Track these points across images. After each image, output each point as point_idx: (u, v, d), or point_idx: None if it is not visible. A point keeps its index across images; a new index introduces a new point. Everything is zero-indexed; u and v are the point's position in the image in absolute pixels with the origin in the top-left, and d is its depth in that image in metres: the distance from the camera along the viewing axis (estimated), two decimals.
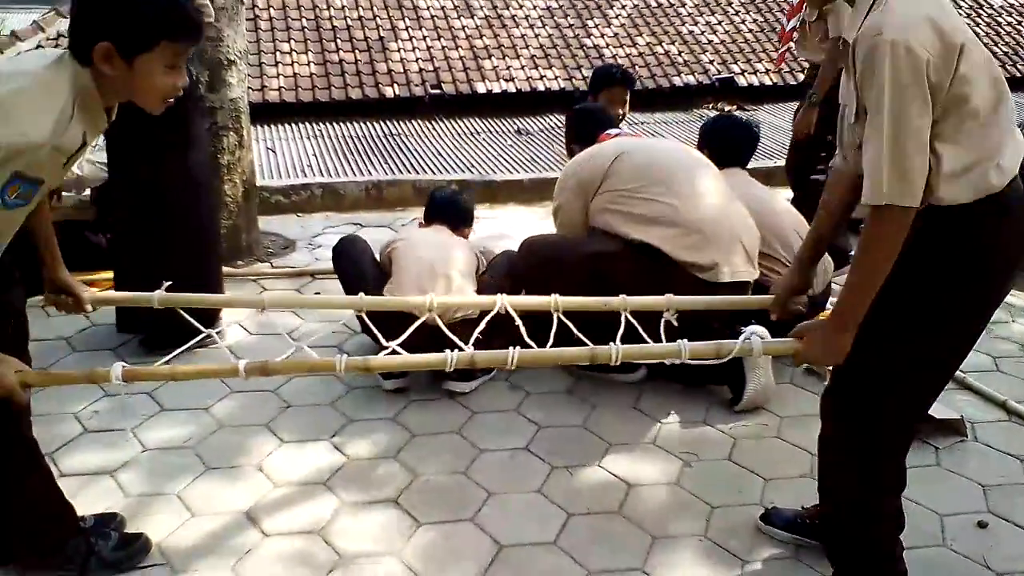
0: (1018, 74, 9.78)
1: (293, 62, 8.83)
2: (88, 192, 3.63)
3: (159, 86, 1.60)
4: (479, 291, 2.76)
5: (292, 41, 9.10)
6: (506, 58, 9.29)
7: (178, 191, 2.93)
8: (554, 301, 2.02)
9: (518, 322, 1.99)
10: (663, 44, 9.82)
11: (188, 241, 2.99)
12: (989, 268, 1.66)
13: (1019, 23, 10.88)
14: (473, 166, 7.01)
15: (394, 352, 2.65)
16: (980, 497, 2.38)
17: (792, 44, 4.60)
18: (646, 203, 2.68)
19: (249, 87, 5.02)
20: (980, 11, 11.13)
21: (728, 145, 3.23)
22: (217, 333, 3.13)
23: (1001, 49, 10.24)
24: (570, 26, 9.91)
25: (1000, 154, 1.62)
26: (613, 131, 3.10)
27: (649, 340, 1.97)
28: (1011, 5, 11.26)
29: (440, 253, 2.84)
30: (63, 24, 8.32)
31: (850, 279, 1.68)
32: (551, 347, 1.93)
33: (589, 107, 3.39)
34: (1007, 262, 1.68)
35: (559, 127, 3.47)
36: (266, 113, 7.96)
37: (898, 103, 1.51)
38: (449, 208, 3.17)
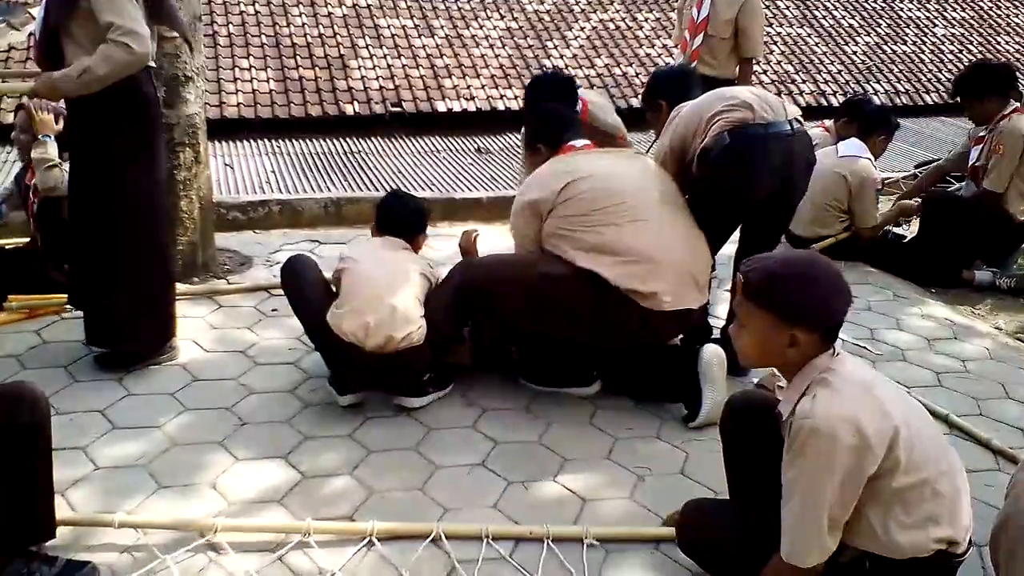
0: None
1: (252, 78, 8.79)
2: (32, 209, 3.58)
3: None
4: (426, 312, 2.75)
5: (251, 57, 9.06)
6: (466, 77, 9.36)
7: (136, 209, 2.88)
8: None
9: None
10: (620, 66, 9.98)
11: (144, 260, 2.94)
12: None
13: (960, 51, 11.31)
14: (433, 184, 7.03)
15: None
16: None
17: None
18: (592, 231, 2.69)
19: (207, 103, 4.98)
20: (924, 39, 11.55)
21: None
22: (172, 350, 3.13)
23: (944, 76, 10.64)
24: (529, 47, 10.04)
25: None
26: (579, 142, 2.98)
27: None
28: (952, 35, 11.73)
29: (389, 280, 2.73)
30: (14, 36, 8.16)
31: None
32: None
33: (556, 107, 3.27)
34: None
35: (519, 146, 3.50)
36: (225, 129, 7.90)
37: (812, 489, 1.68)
38: (400, 216, 3.02)
